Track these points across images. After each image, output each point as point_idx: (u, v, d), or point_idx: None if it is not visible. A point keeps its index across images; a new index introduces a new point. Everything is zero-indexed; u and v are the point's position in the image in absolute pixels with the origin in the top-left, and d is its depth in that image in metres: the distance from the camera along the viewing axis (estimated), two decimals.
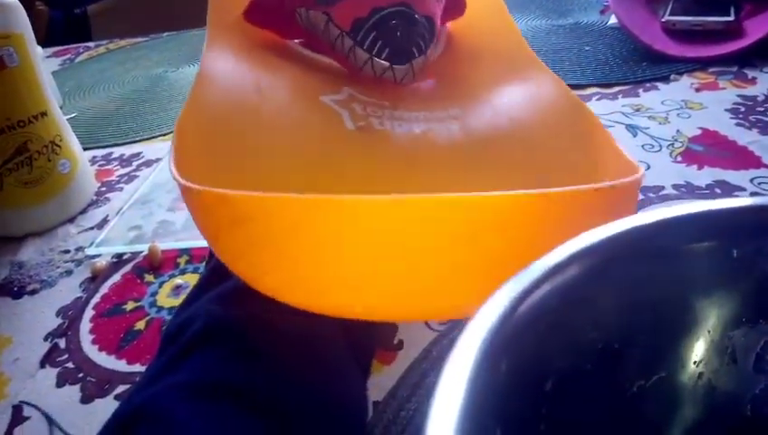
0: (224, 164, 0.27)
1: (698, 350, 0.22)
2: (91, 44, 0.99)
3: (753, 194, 0.39)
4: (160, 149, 0.58)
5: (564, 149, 0.32)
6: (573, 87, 0.56)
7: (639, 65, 0.59)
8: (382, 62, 0.33)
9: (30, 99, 0.44)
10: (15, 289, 0.41)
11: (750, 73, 0.55)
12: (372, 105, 0.32)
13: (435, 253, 0.20)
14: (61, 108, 0.70)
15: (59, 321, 0.37)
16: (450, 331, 0.30)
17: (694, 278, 0.22)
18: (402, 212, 0.20)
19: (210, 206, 0.22)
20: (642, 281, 0.21)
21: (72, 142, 0.49)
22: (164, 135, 0.61)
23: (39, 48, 0.65)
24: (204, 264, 0.39)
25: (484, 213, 0.20)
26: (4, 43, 0.42)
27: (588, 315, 0.20)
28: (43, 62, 0.67)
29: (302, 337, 0.25)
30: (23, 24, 0.44)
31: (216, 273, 0.30)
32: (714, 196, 0.39)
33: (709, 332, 0.22)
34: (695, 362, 0.22)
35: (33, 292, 0.40)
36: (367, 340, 0.29)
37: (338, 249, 0.21)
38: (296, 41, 0.38)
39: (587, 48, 0.64)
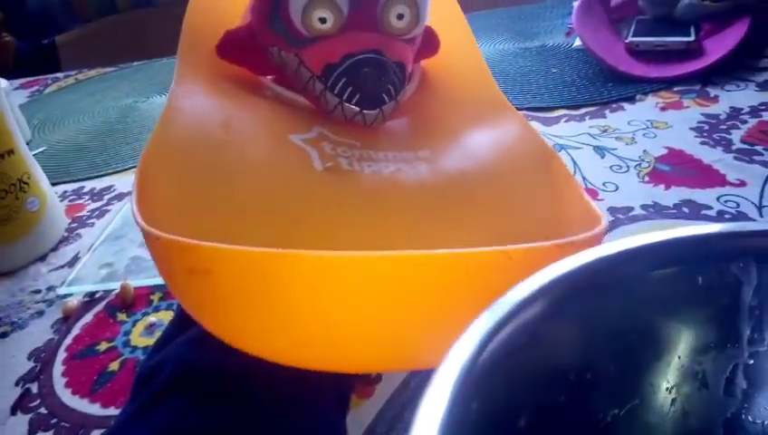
0: (188, 205, 0.27)
1: (670, 376, 0.23)
2: (59, 75, 0.98)
3: (719, 212, 0.40)
4: (132, 181, 0.57)
5: (531, 196, 0.32)
6: (542, 109, 0.58)
7: (605, 86, 0.60)
8: (352, 107, 0.33)
9: None
10: None
11: (712, 92, 0.57)
12: (342, 145, 0.32)
13: (397, 307, 0.21)
14: (29, 142, 0.69)
15: (30, 364, 0.36)
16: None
17: (660, 305, 0.22)
18: (363, 269, 0.20)
19: (168, 252, 0.21)
20: (608, 311, 0.21)
21: (41, 179, 0.48)
22: (135, 167, 0.60)
23: (4, 82, 0.65)
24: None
25: (448, 269, 0.20)
26: None
27: (557, 349, 0.20)
28: (10, 95, 0.66)
29: (277, 378, 0.24)
30: None
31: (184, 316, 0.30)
32: (681, 215, 0.40)
33: (679, 357, 0.23)
34: (667, 389, 0.23)
35: (4, 335, 0.39)
36: (345, 374, 0.29)
37: (294, 303, 0.21)
38: (269, 77, 0.38)
39: (554, 70, 0.65)
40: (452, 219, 0.30)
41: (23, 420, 0.33)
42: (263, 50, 0.35)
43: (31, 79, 0.97)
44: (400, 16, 0.33)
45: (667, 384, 0.23)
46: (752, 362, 0.22)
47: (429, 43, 0.39)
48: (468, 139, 0.36)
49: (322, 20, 0.32)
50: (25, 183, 0.46)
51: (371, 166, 0.32)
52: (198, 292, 0.22)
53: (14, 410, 0.33)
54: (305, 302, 0.20)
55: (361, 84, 0.32)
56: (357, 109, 0.33)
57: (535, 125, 0.55)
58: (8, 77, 0.90)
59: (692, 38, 0.62)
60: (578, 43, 0.68)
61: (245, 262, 0.20)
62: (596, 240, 0.25)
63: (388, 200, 0.30)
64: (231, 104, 0.33)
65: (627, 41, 0.64)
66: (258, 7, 0.35)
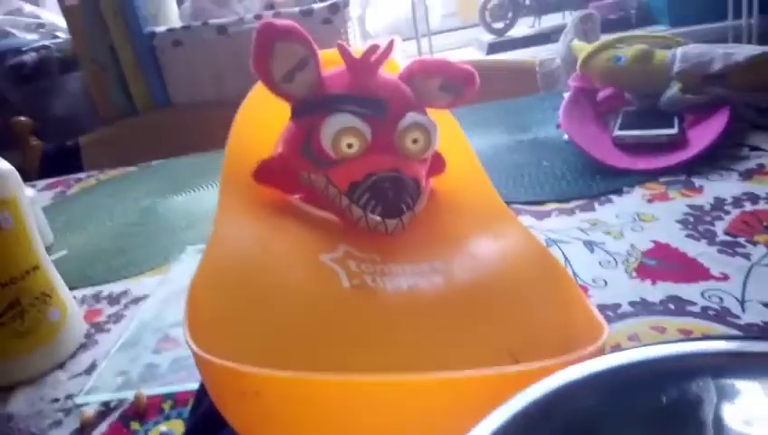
0: (233, 326, 0.30)
1: None
2: (82, 175, 1.04)
3: (704, 308, 0.42)
4: (147, 284, 0.60)
5: (539, 305, 0.36)
6: (533, 203, 0.61)
7: (594, 179, 0.63)
8: (375, 217, 0.38)
9: (22, 256, 0.47)
10: None
11: (697, 182, 0.60)
12: (365, 261, 0.37)
13: (424, 424, 0.24)
14: (51, 246, 0.73)
15: None
16: None
17: (632, 424, 0.24)
18: (395, 391, 0.23)
19: (220, 376, 0.24)
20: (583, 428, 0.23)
21: (62, 290, 0.51)
22: (151, 269, 0.63)
23: (31, 191, 0.69)
24: (189, 409, 0.40)
25: (468, 389, 0.24)
26: (1, 208, 0.45)
27: None
28: (35, 201, 0.71)
29: None
30: (17, 186, 0.48)
31: (203, 422, 0.32)
32: (667, 312, 0.42)
33: None
34: None
35: None
36: None
37: (338, 424, 0.24)
38: (297, 196, 0.43)
39: (545, 163, 0.69)
40: (466, 331, 0.33)
41: None
42: (293, 174, 0.41)
43: (55, 179, 1.03)
44: (415, 141, 0.39)
45: None
46: None
47: (436, 163, 0.44)
48: (476, 247, 0.40)
49: (349, 145, 0.38)
50: (48, 296, 0.49)
51: (392, 280, 0.36)
52: (248, 412, 0.25)
53: None
54: (347, 422, 0.23)
55: (383, 197, 0.38)
56: (379, 219, 0.38)
57: (528, 219, 0.58)
58: (34, 178, 0.96)
59: (675, 130, 0.66)
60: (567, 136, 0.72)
61: (291, 386, 0.23)
62: (600, 351, 0.28)
63: (409, 315, 0.34)
64: (267, 226, 0.38)
65: (614, 135, 0.68)
66: (291, 138, 0.40)
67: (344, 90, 0.39)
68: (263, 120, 0.43)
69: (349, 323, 0.33)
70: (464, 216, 0.44)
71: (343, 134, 0.37)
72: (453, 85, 0.41)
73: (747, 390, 0.24)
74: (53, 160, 1.16)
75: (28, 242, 0.48)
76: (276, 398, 0.23)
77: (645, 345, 0.25)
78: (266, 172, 0.41)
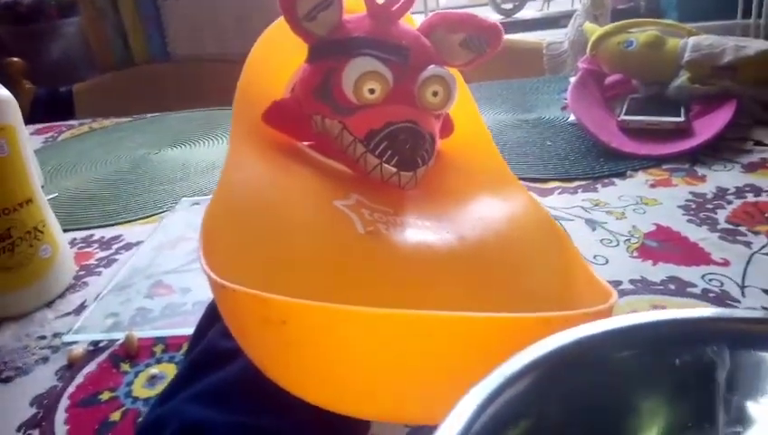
0: (249, 261, 0.29)
1: None
2: (74, 123, 1.01)
3: (704, 290, 0.42)
4: (141, 232, 0.59)
5: (545, 267, 0.36)
6: (537, 181, 0.61)
7: (597, 161, 0.63)
8: (390, 168, 0.37)
9: (17, 187, 0.46)
10: None
11: (700, 171, 0.60)
12: (378, 211, 0.36)
13: (441, 364, 0.24)
14: (42, 187, 0.71)
15: (33, 410, 0.37)
16: (421, 427, 0.32)
17: (641, 384, 0.24)
18: (418, 326, 0.23)
19: (243, 305, 0.24)
20: (591, 387, 0.23)
21: (54, 227, 0.50)
22: (145, 218, 0.62)
23: (26, 131, 0.68)
24: (182, 353, 0.40)
25: (490, 331, 0.24)
26: None
27: (543, 421, 0.22)
28: (28, 142, 0.69)
29: None
30: (14, 116, 0.47)
31: (195, 367, 0.31)
32: (668, 292, 0.42)
33: (659, 433, 0.24)
34: None
35: (8, 379, 0.40)
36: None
37: (357, 355, 0.24)
38: (306, 144, 0.42)
39: (549, 143, 0.68)
40: (476, 285, 0.33)
41: None
42: (305, 118, 0.40)
43: (46, 125, 1.01)
44: (435, 93, 0.38)
45: None
46: None
47: (445, 125, 0.43)
48: (483, 209, 0.40)
49: (371, 90, 0.37)
50: (40, 231, 0.48)
51: (404, 232, 0.35)
52: (269, 341, 0.24)
53: None
54: (365, 354, 0.23)
55: (400, 148, 0.37)
56: (394, 170, 0.37)
57: None
58: (24, 122, 0.94)
59: (682, 118, 0.66)
60: (572, 117, 0.72)
61: (319, 316, 0.23)
62: (609, 311, 0.28)
63: (422, 265, 0.34)
64: (278, 167, 0.37)
65: (619, 119, 0.67)
66: (307, 80, 0.39)
67: (365, 34, 0.38)
68: (277, 59, 0.42)
69: (365, 265, 0.32)
70: (470, 178, 0.43)
71: (366, 78, 0.36)
72: (476, 41, 0.40)
73: (762, 361, 0.23)
74: (45, 105, 1.13)
75: (24, 173, 0.47)
76: (301, 327, 0.23)
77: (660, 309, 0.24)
78: (277, 114, 0.39)
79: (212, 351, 0.30)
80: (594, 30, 0.77)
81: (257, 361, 0.25)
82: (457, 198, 0.41)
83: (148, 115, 0.99)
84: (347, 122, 0.38)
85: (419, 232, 0.36)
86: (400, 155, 0.37)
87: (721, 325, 0.24)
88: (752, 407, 0.24)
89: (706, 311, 0.26)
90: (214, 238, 0.28)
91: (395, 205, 0.38)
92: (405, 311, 0.22)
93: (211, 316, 0.33)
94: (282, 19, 0.39)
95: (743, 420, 0.24)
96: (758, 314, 0.24)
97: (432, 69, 0.38)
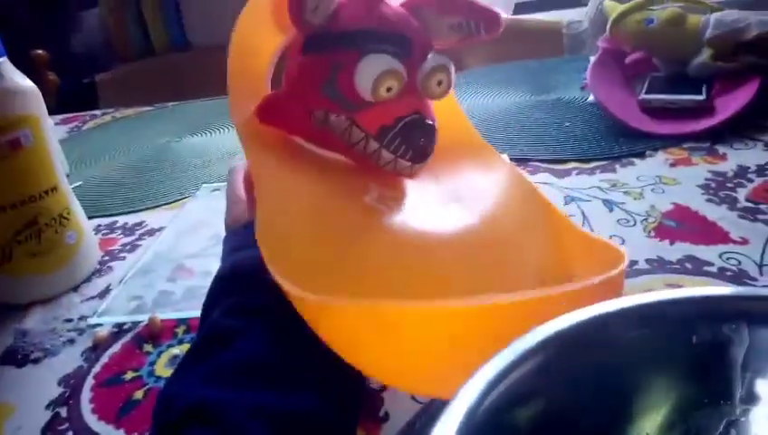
0: (316, 269, 0.31)
1: (667, 429, 0.24)
2: (97, 112, 1.03)
3: (721, 269, 0.41)
4: (163, 218, 0.60)
5: (535, 240, 0.38)
6: (554, 162, 0.60)
7: (617, 141, 0.62)
8: (405, 162, 0.38)
9: (42, 176, 0.47)
10: (20, 357, 0.42)
11: (721, 150, 0.59)
12: (396, 199, 0.38)
13: (469, 344, 0.26)
14: (67, 176, 0.73)
15: (61, 390, 0.39)
16: (431, 404, 0.32)
17: (658, 361, 0.24)
18: (453, 317, 0.26)
19: (351, 317, 0.27)
20: (602, 367, 0.23)
21: (79, 214, 0.52)
22: (167, 204, 0.63)
23: (50, 121, 0.69)
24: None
25: (514, 314, 0.26)
26: (22, 125, 0.45)
27: (557, 398, 0.22)
28: (52, 132, 0.70)
29: (283, 416, 0.26)
30: (39, 106, 0.48)
31: (200, 347, 0.32)
32: (684, 271, 0.42)
33: (675, 411, 0.24)
34: None
35: (37, 360, 0.42)
36: (354, 409, 0.31)
37: (430, 343, 0.27)
38: (299, 139, 0.41)
39: (567, 124, 0.68)
40: (478, 264, 0.35)
41: None
42: (303, 113, 0.38)
43: (70, 115, 1.03)
44: (440, 83, 0.38)
45: None
46: (743, 419, 0.24)
47: None
48: (475, 185, 0.41)
49: (389, 89, 0.36)
50: (65, 218, 0.49)
51: (419, 218, 0.37)
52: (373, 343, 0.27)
53: (44, 433, 0.36)
54: (434, 340, 0.26)
55: (414, 144, 0.37)
56: (409, 164, 0.38)
57: (547, 176, 0.58)
58: (50, 114, 0.96)
59: (703, 96, 0.64)
60: (592, 97, 0.71)
61: (414, 315, 0.26)
62: (621, 275, 0.30)
63: (445, 244, 0.36)
64: (300, 171, 0.38)
65: (640, 98, 0.66)
66: (308, 74, 0.38)
67: (364, 22, 0.37)
68: (257, 47, 0.40)
69: (398, 255, 0.34)
70: (455, 155, 0.43)
71: (385, 77, 0.35)
72: (472, 26, 0.38)
73: None
74: (69, 97, 1.15)
75: (48, 162, 0.48)
76: (403, 326, 0.26)
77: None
78: (272, 110, 0.38)
79: (216, 331, 0.30)
80: (615, 8, 0.76)
81: (352, 358, 0.27)
82: (450, 178, 0.42)
83: (170, 104, 1.00)
84: (357, 118, 0.37)
85: (429, 215, 0.37)
86: (414, 149, 0.37)
87: (740, 303, 0.24)
88: (760, 385, 0.24)
89: (724, 289, 0.25)
90: (278, 255, 0.29)
91: (401, 191, 0.39)
92: (474, 303, 0.25)
93: (213, 297, 0.34)
94: (252, 4, 0.38)
95: (752, 397, 0.24)
96: None
97: (434, 58, 0.37)
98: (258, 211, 0.32)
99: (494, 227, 0.37)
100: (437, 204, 0.39)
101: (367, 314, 0.26)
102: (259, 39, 0.40)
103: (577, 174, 0.58)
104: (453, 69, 0.39)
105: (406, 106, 0.37)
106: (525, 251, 0.37)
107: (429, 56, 0.37)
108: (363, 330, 0.26)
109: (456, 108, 0.46)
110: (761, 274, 0.40)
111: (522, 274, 0.35)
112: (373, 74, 0.35)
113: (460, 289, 0.31)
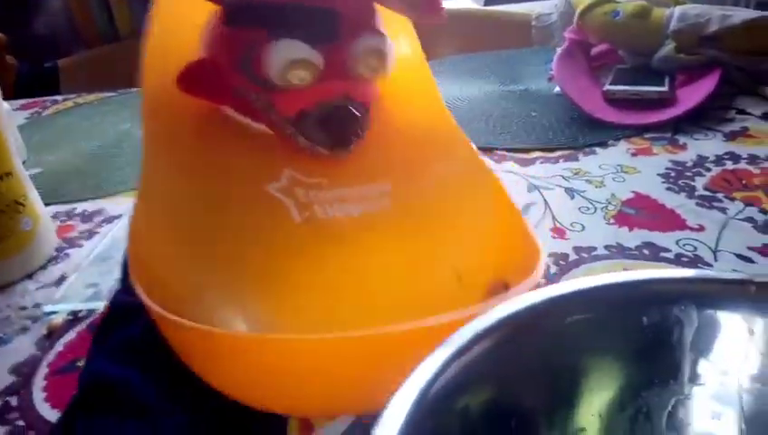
0: (180, 272, 0.29)
1: (617, 409, 0.24)
2: (59, 98, 1.00)
3: (677, 255, 0.42)
4: (122, 205, 0.59)
5: (481, 228, 0.36)
6: (519, 151, 0.61)
7: (581, 131, 0.63)
8: (323, 150, 0.35)
9: None
10: None
11: (681, 140, 0.60)
12: (313, 187, 0.35)
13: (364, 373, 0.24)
14: (25, 163, 0.71)
15: (12, 378, 0.38)
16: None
17: (609, 343, 0.24)
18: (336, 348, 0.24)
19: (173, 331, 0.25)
20: (550, 351, 0.23)
21: (36, 201, 0.50)
22: (127, 191, 0.62)
23: (5, 105, 0.67)
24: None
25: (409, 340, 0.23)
26: None
27: (502, 385, 0.22)
28: (10, 117, 0.68)
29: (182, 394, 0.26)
30: None
31: (105, 324, 0.32)
32: (642, 257, 0.43)
33: (626, 391, 0.24)
34: (613, 420, 0.24)
35: None
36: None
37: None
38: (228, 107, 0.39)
39: (533, 114, 0.68)
40: (414, 255, 0.33)
41: (0, 432, 0.34)
42: (224, 82, 0.36)
43: (30, 100, 1.00)
44: (371, 67, 0.35)
45: (613, 417, 0.24)
46: (691, 398, 0.24)
47: None
48: (423, 168, 0.39)
49: (301, 78, 0.34)
50: (21, 204, 0.48)
51: (342, 208, 0.35)
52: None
53: None
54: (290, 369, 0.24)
55: (333, 130, 0.35)
56: (327, 151, 0.36)
57: (511, 165, 0.58)
58: (8, 99, 0.93)
59: (665, 88, 0.65)
60: (558, 89, 0.72)
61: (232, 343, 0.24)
62: (535, 281, 0.27)
63: (361, 243, 0.33)
64: (202, 151, 0.35)
65: (605, 89, 0.67)
66: (225, 47, 0.35)
67: None
68: (183, 15, 0.37)
69: (304, 258, 0.32)
70: (412, 133, 0.41)
71: (294, 66, 0.33)
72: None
73: (727, 320, 0.24)
74: (29, 81, 1.12)
75: (2, 146, 0.46)
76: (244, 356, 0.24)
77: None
78: (193, 79, 0.36)
79: (117, 308, 0.30)
80: (582, 0, 0.77)
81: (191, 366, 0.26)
82: (397, 158, 0.39)
83: (133, 90, 0.98)
84: (274, 101, 0.35)
85: (357, 204, 0.35)
86: (334, 136, 0.35)
87: (688, 285, 0.24)
88: (706, 364, 0.24)
89: (675, 271, 0.26)
90: (142, 260, 0.27)
91: (331, 175, 0.36)
92: (329, 335, 0.23)
93: (124, 273, 0.33)
94: None
95: (697, 377, 0.24)
96: (726, 274, 0.25)
97: (366, 40, 0.35)
98: (134, 209, 0.30)
99: (419, 214, 0.36)
100: (361, 188, 0.36)
101: (201, 337, 0.24)
102: (188, 8, 0.37)
103: (541, 163, 0.58)
104: (392, 51, 0.36)
105: (331, 91, 0.35)
106: (449, 245, 0.35)
107: (363, 37, 0.35)
108: (202, 350, 0.25)
109: (425, 76, 0.43)
110: (715, 259, 0.41)
111: (436, 272, 0.33)
112: (280, 63, 0.33)
113: (349, 298, 0.30)
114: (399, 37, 0.41)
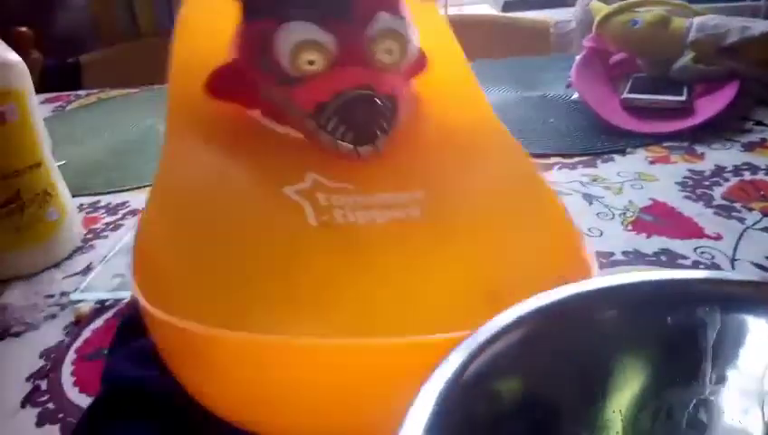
0: (188, 273, 0.28)
1: (639, 406, 0.25)
2: (82, 93, 1.02)
3: (695, 262, 0.43)
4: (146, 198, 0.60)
5: (524, 242, 0.32)
6: (537, 156, 0.61)
7: (599, 138, 0.63)
8: (346, 145, 0.33)
9: (26, 151, 0.47)
10: (0, 330, 0.42)
11: (699, 149, 0.60)
12: (337, 192, 0.33)
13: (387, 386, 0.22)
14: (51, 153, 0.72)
15: (42, 363, 0.39)
16: None
17: (633, 341, 0.25)
18: (348, 354, 0.23)
19: (172, 334, 0.24)
20: (577, 345, 0.24)
21: (63, 191, 0.51)
22: (151, 185, 0.63)
23: (36, 97, 0.68)
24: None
25: (435, 352, 0.20)
26: (7, 99, 0.45)
27: (530, 376, 0.23)
28: (38, 108, 0.70)
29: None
30: (24, 80, 0.48)
31: (125, 327, 0.32)
32: (659, 263, 0.43)
33: (648, 389, 0.25)
34: (635, 418, 0.25)
35: (18, 334, 0.42)
36: None
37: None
38: (257, 111, 0.38)
39: (551, 120, 0.69)
40: (441, 271, 0.31)
41: (31, 414, 0.35)
42: (252, 85, 0.35)
43: (54, 94, 1.01)
44: (389, 51, 0.33)
45: (635, 414, 0.25)
46: (712, 398, 0.25)
47: (417, 60, 0.37)
48: (461, 173, 0.36)
49: (311, 62, 0.32)
50: (49, 194, 0.49)
51: (366, 214, 0.32)
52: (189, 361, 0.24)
53: (23, 404, 0.36)
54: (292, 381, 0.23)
55: (353, 121, 0.32)
56: (351, 146, 0.33)
57: None
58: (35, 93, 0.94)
59: (684, 98, 0.66)
60: (576, 95, 0.72)
61: (242, 348, 0.22)
62: None
63: (378, 252, 0.31)
64: (224, 151, 0.34)
65: (622, 97, 0.68)
66: (246, 45, 0.35)
67: None
68: (212, 18, 0.36)
69: (314, 265, 0.30)
70: (453, 137, 0.38)
71: (303, 49, 0.31)
72: None
73: (751, 323, 0.24)
74: (53, 77, 1.14)
75: (33, 137, 0.48)
76: (227, 358, 0.23)
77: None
78: (221, 83, 0.35)
79: (137, 312, 0.30)
80: (601, 9, 0.77)
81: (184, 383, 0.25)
82: (432, 160, 0.36)
83: (155, 87, 1.00)
84: (292, 95, 0.33)
85: (384, 212, 0.33)
86: (355, 130, 0.32)
87: (714, 287, 0.25)
88: (729, 366, 0.25)
89: (700, 273, 0.26)
90: (150, 252, 0.26)
91: (358, 179, 0.34)
92: (326, 340, 0.22)
93: None
94: None
95: (720, 378, 0.25)
96: (750, 278, 0.25)
97: (382, 20, 0.32)
98: (148, 201, 0.29)
99: (451, 226, 0.33)
100: (389, 195, 0.33)
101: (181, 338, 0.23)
102: (217, 11, 0.36)
103: (559, 168, 0.59)
104: (413, 33, 0.34)
105: (349, 80, 0.32)
106: (482, 263, 0.31)
107: (378, 16, 0.33)
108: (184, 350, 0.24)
109: (461, 67, 0.41)
110: (732, 267, 0.42)
111: (458, 291, 0.30)
112: (288, 46, 0.31)
113: (350, 308, 0.28)
114: (431, 34, 0.38)
